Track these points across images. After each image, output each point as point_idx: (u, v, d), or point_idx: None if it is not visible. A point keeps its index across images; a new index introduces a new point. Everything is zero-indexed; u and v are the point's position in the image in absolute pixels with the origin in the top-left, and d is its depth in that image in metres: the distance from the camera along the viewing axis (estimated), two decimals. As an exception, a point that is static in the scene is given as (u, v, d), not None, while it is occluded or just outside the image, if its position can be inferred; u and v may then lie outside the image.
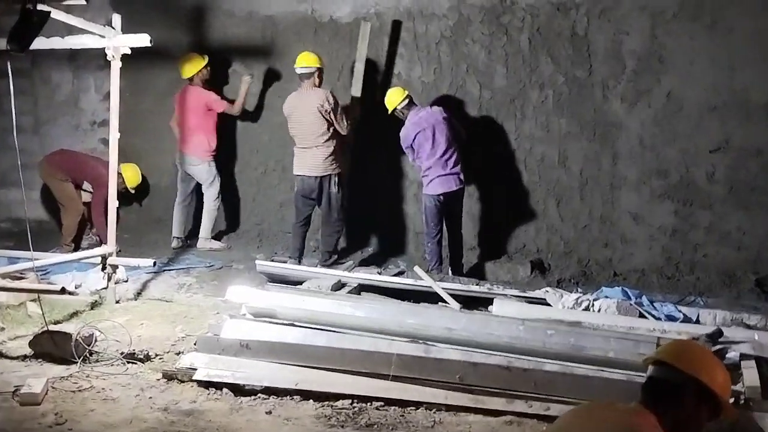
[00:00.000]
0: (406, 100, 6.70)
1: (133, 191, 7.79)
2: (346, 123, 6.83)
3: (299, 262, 6.82)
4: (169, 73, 7.96)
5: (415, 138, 6.62)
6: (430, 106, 6.72)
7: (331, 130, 6.76)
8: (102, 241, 6.78)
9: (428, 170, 6.60)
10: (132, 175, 7.70)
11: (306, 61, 6.79)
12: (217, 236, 7.90)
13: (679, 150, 6.68)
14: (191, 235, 7.85)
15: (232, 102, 7.55)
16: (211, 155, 7.62)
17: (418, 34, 7.37)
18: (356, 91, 7.16)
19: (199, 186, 7.69)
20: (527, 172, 7.16)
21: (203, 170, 7.62)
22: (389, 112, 6.76)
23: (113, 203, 6.06)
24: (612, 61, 6.83)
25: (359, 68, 7.13)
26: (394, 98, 6.75)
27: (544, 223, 7.15)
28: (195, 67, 7.54)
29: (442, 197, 6.59)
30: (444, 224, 6.69)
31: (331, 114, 6.69)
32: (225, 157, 7.90)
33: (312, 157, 6.76)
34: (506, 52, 7.13)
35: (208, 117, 7.52)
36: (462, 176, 6.69)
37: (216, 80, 7.83)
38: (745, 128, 6.49)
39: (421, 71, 7.38)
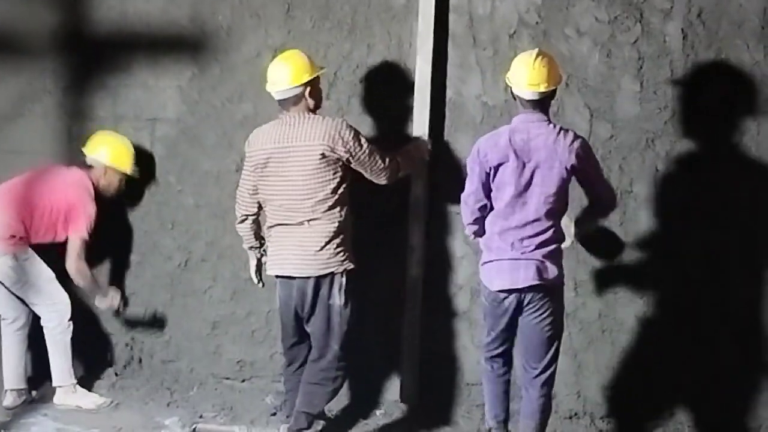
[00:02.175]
0: (537, 95, 5.94)
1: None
2: (382, 163, 6.56)
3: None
4: (11, 82, 7.75)
5: (497, 170, 5.96)
6: (564, 131, 6.06)
7: (340, 191, 6.39)
8: None
9: (488, 237, 6.06)
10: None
11: (282, 75, 6.43)
12: (88, 383, 7.53)
13: None
14: (42, 380, 7.46)
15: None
16: (22, 244, 7.29)
17: (475, 17, 6.89)
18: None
19: None
20: (694, 280, 6.56)
21: (8, 269, 7.24)
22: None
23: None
24: None
25: (423, 69, 6.90)
26: (528, 74, 5.99)
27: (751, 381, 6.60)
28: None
29: (503, 296, 5.99)
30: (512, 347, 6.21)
31: (351, 156, 6.44)
32: (110, 235, 7.46)
33: (302, 242, 6.42)
34: (640, 53, 6.67)
35: (54, 209, 7.29)
36: (550, 266, 5.96)
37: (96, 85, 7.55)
38: None
39: (481, 85, 6.92)
